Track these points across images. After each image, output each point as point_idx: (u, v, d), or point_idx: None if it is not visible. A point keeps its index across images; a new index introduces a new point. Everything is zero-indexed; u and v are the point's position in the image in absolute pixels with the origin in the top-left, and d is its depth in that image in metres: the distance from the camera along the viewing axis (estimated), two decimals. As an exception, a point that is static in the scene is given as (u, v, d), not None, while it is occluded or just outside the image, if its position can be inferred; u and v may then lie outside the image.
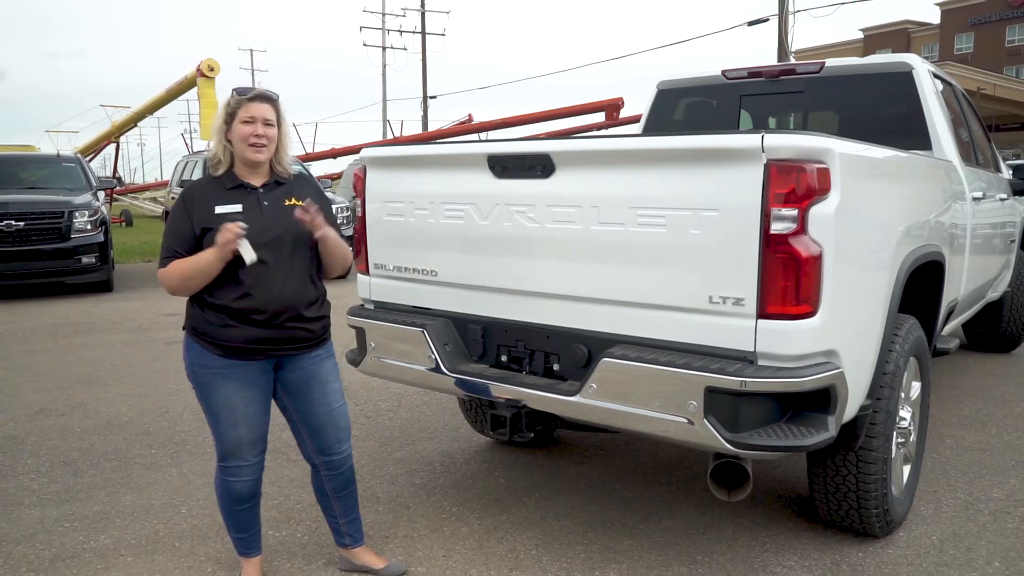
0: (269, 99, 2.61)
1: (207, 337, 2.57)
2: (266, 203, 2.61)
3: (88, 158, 21.41)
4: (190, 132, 42.42)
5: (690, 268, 2.52)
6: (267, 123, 2.58)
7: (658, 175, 2.57)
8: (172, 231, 2.57)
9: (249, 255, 2.47)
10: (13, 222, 9.73)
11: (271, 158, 2.65)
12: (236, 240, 2.43)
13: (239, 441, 2.64)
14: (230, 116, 2.57)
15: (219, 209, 2.55)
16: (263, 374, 2.66)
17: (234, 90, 2.61)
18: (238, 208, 2.56)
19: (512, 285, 3.00)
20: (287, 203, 2.64)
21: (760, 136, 2.34)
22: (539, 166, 2.83)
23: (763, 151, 2.34)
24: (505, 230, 2.96)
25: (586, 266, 2.76)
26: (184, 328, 2.68)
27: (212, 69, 18.49)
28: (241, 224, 2.44)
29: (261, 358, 2.63)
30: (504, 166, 2.92)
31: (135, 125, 26.01)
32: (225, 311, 2.55)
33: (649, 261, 2.60)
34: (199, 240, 2.53)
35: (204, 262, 2.49)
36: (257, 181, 2.64)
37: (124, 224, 23.50)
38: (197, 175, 12.39)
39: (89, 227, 10.14)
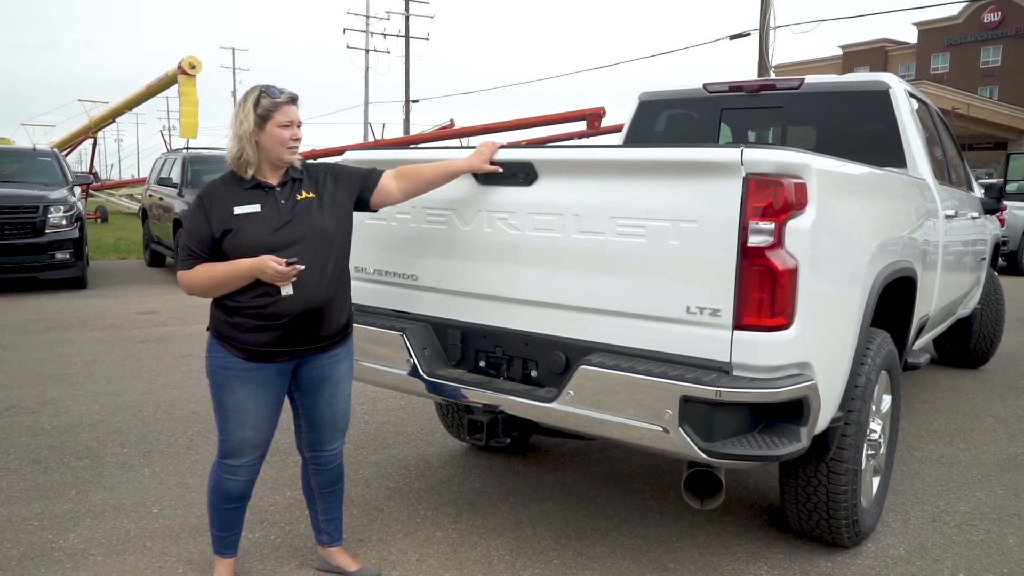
0: (297, 100, 2.62)
1: (231, 341, 2.57)
2: (283, 202, 2.60)
3: (64, 153, 21.16)
4: (169, 129, 42.11)
5: (668, 278, 2.55)
6: (299, 125, 2.61)
7: (639, 186, 2.61)
8: (191, 232, 2.55)
9: (287, 289, 2.51)
10: (-14, 216, 9.58)
11: None
12: (290, 278, 2.48)
13: (244, 442, 2.65)
14: (262, 119, 2.53)
15: (238, 210, 2.53)
16: (281, 377, 2.66)
17: (262, 91, 2.56)
18: (257, 208, 2.55)
19: (492, 291, 3.02)
20: (299, 198, 2.63)
21: (739, 150, 2.38)
22: (522, 174, 2.85)
23: (742, 165, 2.38)
24: (487, 236, 2.97)
25: (566, 274, 2.79)
26: (208, 329, 2.68)
27: (194, 67, 18.38)
28: (299, 266, 2.47)
29: (285, 359, 2.64)
30: (487, 173, 2.94)
31: (113, 121, 25.74)
32: (250, 314, 2.54)
33: (628, 270, 2.64)
34: (219, 241, 2.52)
35: (238, 275, 2.48)
36: (275, 180, 2.63)
37: (99, 220, 23.22)
38: (176, 173, 12.26)
39: (64, 222, 10.01)
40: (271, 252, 2.48)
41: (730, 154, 2.40)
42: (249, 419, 2.63)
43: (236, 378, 2.59)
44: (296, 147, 2.59)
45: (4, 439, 4.40)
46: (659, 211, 2.56)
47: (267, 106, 2.54)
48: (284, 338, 2.59)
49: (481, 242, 2.99)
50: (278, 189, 2.62)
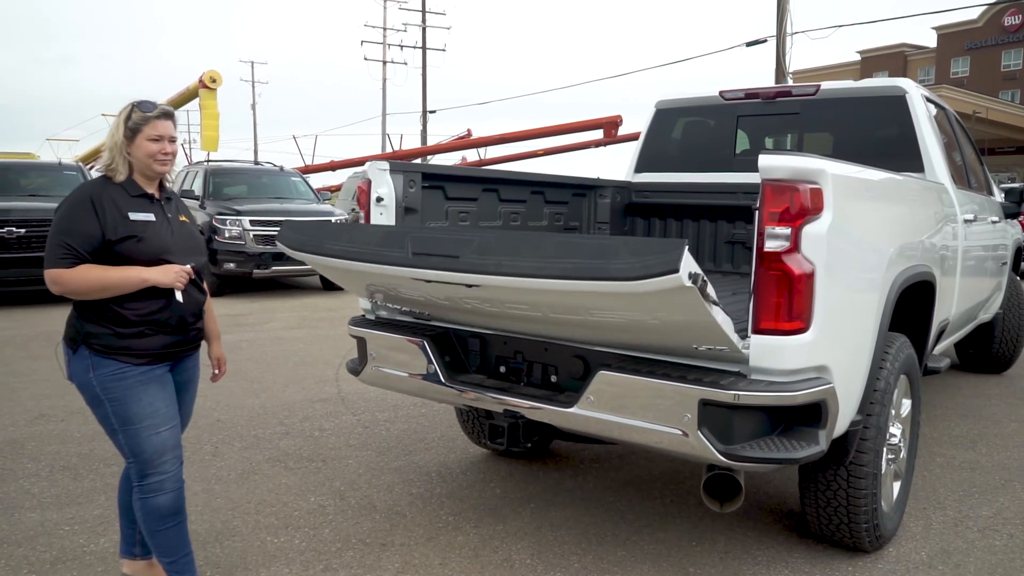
0: (171, 115, 2.66)
1: (126, 350, 2.55)
2: (169, 215, 2.70)
3: (89, 166, 21.48)
4: (190, 143, 42.55)
5: (663, 336, 2.53)
6: (171, 140, 2.64)
7: (583, 298, 2.34)
8: (76, 231, 2.49)
9: (180, 293, 2.61)
10: (14, 229, 9.77)
11: None
12: (186, 280, 2.60)
13: (162, 447, 2.59)
14: (132, 132, 2.58)
15: (133, 216, 2.57)
16: (169, 374, 2.71)
17: (135, 106, 2.60)
18: (151, 217, 2.61)
19: (502, 329, 3.07)
20: (181, 219, 2.75)
21: (680, 258, 2.08)
22: (465, 286, 2.58)
23: (685, 274, 2.09)
24: (469, 306, 2.85)
25: (565, 328, 2.77)
26: (74, 346, 2.59)
27: (214, 80, 18.62)
28: (188, 269, 2.60)
29: (169, 360, 2.69)
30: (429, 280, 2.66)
31: (136, 134, 26.07)
32: (142, 323, 2.57)
33: (622, 333, 2.64)
34: (111, 244, 2.52)
35: (136, 280, 2.51)
36: (154, 191, 2.69)
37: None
38: (198, 185, 12.43)
39: (89, 235, 10.16)
40: (171, 261, 2.60)
41: (669, 263, 2.08)
42: (162, 420, 2.61)
43: (137, 384, 2.56)
44: (166, 160, 2.63)
45: (35, 447, 4.50)
46: (620, 309, 2.37)
47: (137, 120, 2.58)
48: (172, 341, 2.66)
49: (469, 308, 2.88)
50: (162, 203, 2.69)
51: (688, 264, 2.08)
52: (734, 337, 2.39)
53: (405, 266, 2.62)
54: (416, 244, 2.60)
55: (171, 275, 2.55)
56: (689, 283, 2.08)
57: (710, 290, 2.18)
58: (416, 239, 2.62)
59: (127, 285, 2.51)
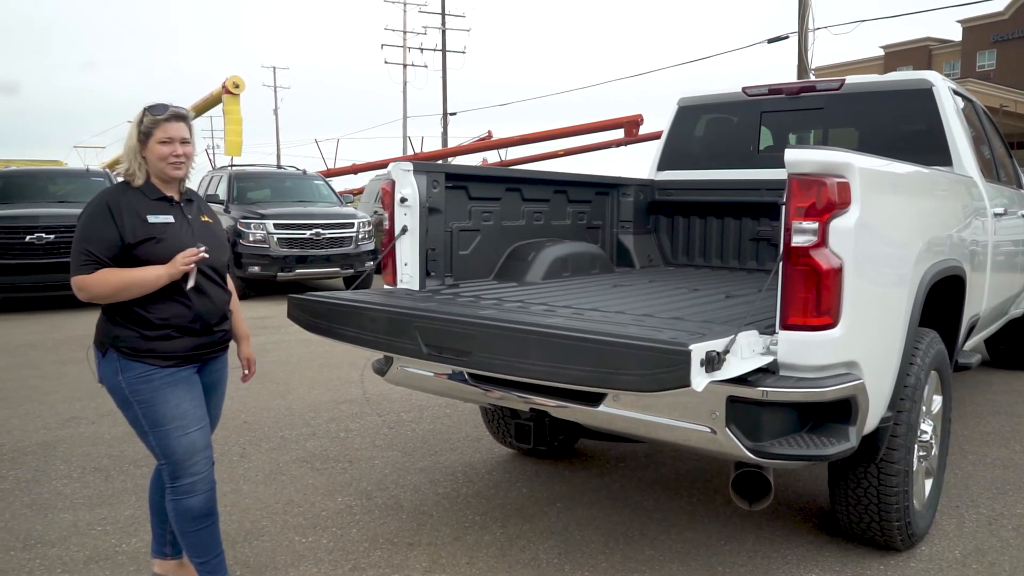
0: (183, 117, 2.66)
1: (152, 353, 2.58)
2: (190, 216, 2.71)
3: (115, 172, 21.77)
4: (213, 148, 43.02)
5: None
6: (184, 142, 2.64)
7: None
8: (96, 238, 2.53)
9: (192, 280, 2.60)
10: (44, 235, 9.94)
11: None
12: (197, 263, 2.58)
13: (192, 447, 2.61)
14: (144, 135, 2.60)
15: (152, 219, 2.59)
16: (196, 375, 2.72)
17: (146, 109, 2.61)
18: (170, 219, 2.63)
19: None
20: (203, 220, 2.76)
21: (690, 370, 2.13)
22: None
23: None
24: None
25: None
26: (103, 349, 2.62)
27: (237, 86, 18.73)
28: (203, 250, 2.58)
29: (196, 363, 2.71)
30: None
31: (160, 141, 26.32)
32: (168, 325, 2.59)
33: None
34: (130, 247, 2.55)
35: (152, 277, 2.53)
36: (174, 195, 2.70)
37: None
38: (223, 189, 12.56)
39: (117, 240, 10.30)
40: None
41: (680, 379, 2.16)
42: (190, 421, 2.62)
43: (164, 386, 2.58)
44: (179, 163, 2.63)
45: (67, 449, 4.56)
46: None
47: (148, 123, 2.59)
48: (199, 343, 2.67)
49: None
50: (182, 205, 2.70)
51: (698, 364, 2.12)
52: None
53: (419, 358, 2.82)
54: (425, 336, 2.73)
55: (178, 264, 2.54)
56: (705, 384, 2.15)
57: (723, 369, 2.22)
58: (423, 330, 2.74)
59: (144, 283, 2.54)
